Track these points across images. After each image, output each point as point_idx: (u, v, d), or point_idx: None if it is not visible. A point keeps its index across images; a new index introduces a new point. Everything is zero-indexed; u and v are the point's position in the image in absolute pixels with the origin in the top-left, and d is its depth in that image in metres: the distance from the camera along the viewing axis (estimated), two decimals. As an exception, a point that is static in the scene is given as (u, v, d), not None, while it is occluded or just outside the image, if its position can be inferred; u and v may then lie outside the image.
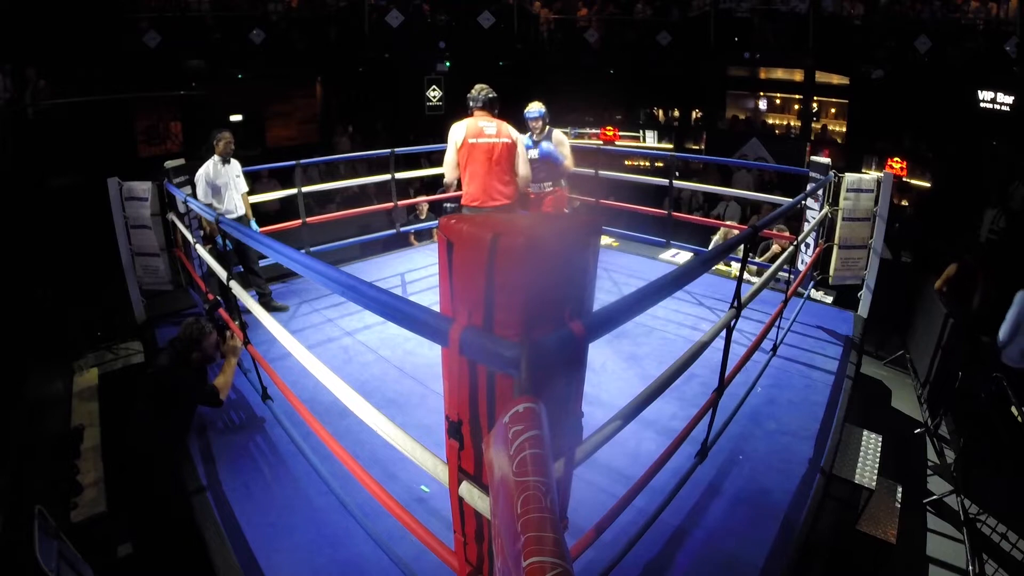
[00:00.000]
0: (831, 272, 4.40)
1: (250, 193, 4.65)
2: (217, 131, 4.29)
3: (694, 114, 11.21)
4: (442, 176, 6.63)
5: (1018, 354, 4.00)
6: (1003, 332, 4.03)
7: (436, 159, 7.58)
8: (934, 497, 3.68)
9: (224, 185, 4.29)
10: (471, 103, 3.58)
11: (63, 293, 5.30)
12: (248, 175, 4.60)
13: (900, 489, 3.23)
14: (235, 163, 4.39)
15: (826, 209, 4.29)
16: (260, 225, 4.71)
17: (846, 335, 4.15)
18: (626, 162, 10.80)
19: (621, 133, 10.94)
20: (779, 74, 10.31)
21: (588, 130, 11.12)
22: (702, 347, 2.00)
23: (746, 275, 3.18)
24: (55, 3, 6.92)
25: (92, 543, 2.68)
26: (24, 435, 3.39)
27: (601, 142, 10.37)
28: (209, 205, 4.21)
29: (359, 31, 9.07)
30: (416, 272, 5.32)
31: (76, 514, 2.92)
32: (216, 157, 4.24)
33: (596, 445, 1.59)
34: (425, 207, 6.56)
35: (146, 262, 4.22)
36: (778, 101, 10.69)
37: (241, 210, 4.43)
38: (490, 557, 1.43)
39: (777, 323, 3.25)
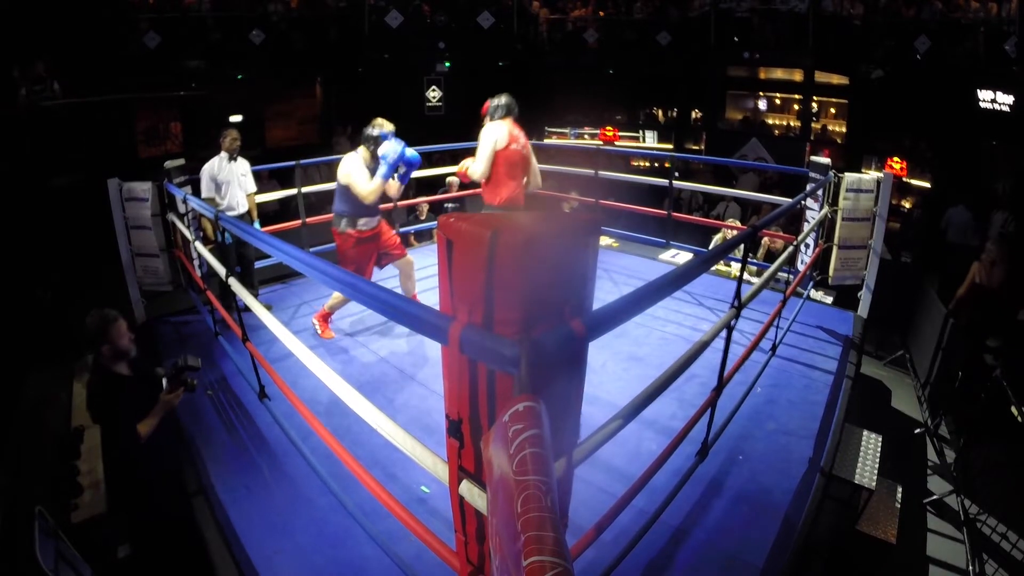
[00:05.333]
0: (831, 272, 4.39)
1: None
2: (226, 129, 4.42)
3: (694, 114, 11.19)
4: (443, 176, 6.70)
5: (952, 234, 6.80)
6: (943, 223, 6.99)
7: (436, 159, 7.60)
8: (934, 497, 3.67)
9: (226, 182, 4.37)
10: (508, 112, 3.56)
11: (63, 293, 5.30)
12: (249, 175, 4.62)
13: (900, 489, 3.22)
14: (243, 162, 4.48)
15: (826, 209, 4.28)
16: (261, 226, 4.71)
17: (846, 335, 4.15)
18: (632, 162, 10.80)
19: (621, 133, 10.93)
20: (779, 74, 10.28)
21: (588, 130, 11.11)
22: (702, 347, 2.00)
23: (746, 275, 3.18)
24: (55, 4, 6.92)
25: (92, 543, 2.68)
26: (24, 435, 3.39)
27: (601, 142, 10.36)
28: (211, 199, 4.29)
29: (359, 31, 9.06)
30: (416, 272, 5.30)
31: (76, 514, 2.92)
32: (223, 153, 4.36)
33: (596, 444, 1.59)
34: (425, 207, 6.56)
35: (146, 262, 4.23)
36: (778, 101, 10.66)
37: (243, 207, 4.49)
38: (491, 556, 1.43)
39: (776, 323, 3.25)
